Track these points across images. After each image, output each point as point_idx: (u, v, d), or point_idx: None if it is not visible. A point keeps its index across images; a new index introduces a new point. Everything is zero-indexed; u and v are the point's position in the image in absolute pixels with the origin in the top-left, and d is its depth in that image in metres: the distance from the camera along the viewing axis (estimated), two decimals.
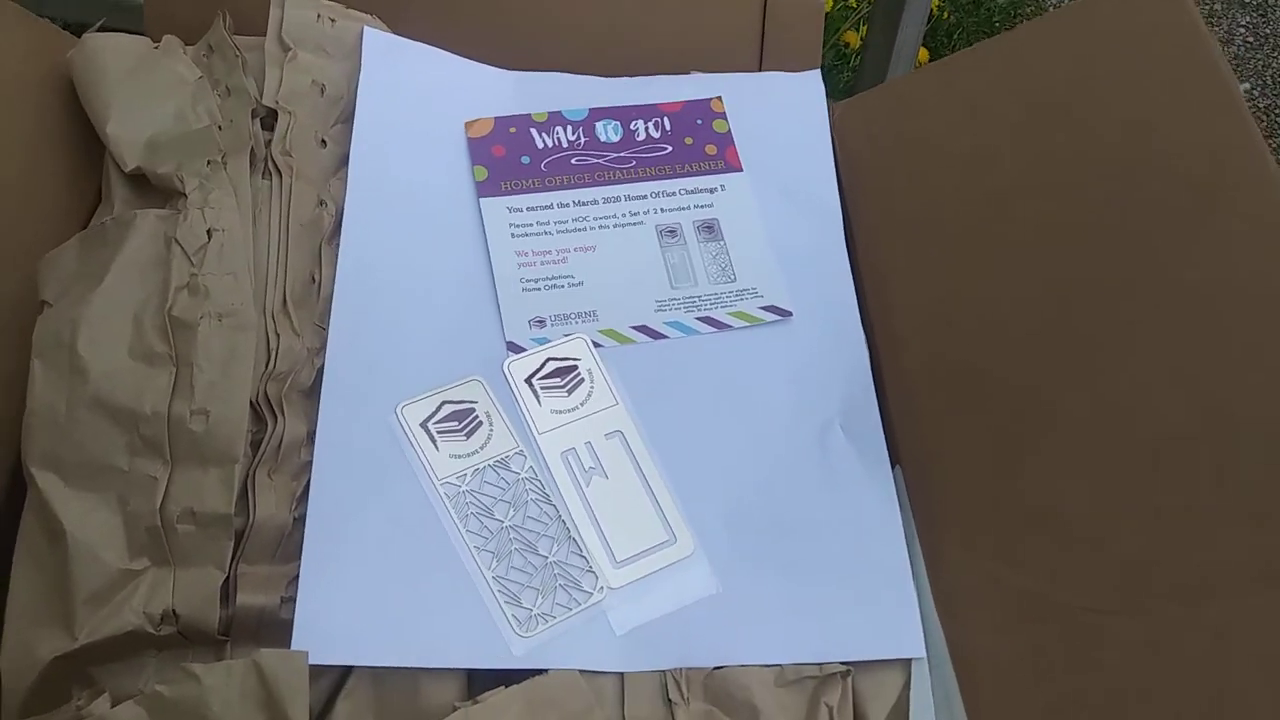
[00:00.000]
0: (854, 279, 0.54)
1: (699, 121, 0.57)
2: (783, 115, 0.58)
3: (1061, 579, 0.42)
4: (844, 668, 0.44)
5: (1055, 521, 0.44)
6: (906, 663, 0.44)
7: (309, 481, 0.44)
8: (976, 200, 0.52)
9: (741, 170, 0.56)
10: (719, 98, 0.58)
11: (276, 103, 0.52)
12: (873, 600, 0.46)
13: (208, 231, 0.45)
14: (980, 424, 0.47)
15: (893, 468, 0.49)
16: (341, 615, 0.42)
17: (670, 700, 0.43)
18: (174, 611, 0.40)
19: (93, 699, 0.38)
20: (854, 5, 1.24)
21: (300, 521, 0.44)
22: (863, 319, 0.53)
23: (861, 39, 1.17)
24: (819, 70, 0.59)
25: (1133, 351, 0.43)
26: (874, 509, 0.48)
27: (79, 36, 0.53)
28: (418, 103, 0.55)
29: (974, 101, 0.54)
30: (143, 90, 0.51)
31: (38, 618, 0.40)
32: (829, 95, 0.59)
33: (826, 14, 1.20)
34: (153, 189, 0.48)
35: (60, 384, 0.42)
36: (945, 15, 1.37)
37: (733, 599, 0.45)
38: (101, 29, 0.53)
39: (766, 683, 0.43)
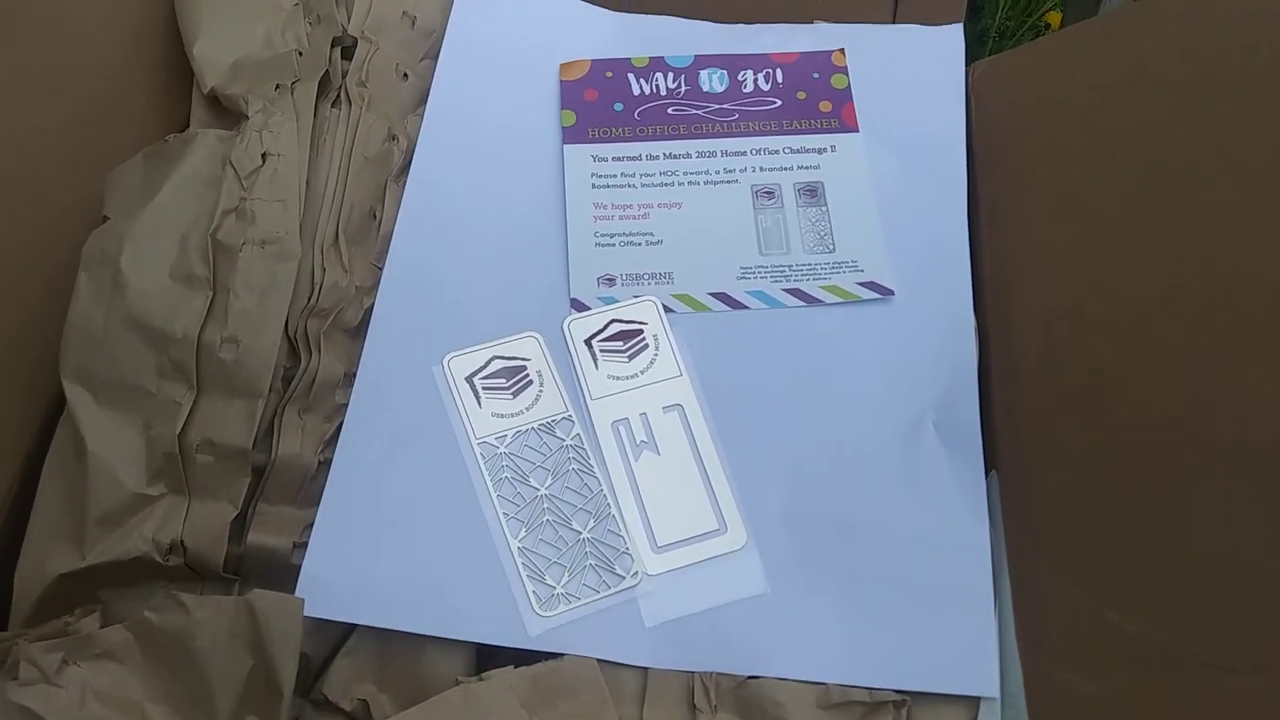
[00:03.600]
0: (971, 260, 0.47)
1: (815, 75, 0.52)
2: (913, 73, 0.52)
3: (1180, 625, 0.35)
4: (899, 696, 0.38)
5: (1180, 558, 0.36)
6: (974, 701, 0.38)
7: (341, 425, 0.42)
8: (1130, 178, 0.44)
9: (857, 130, 0.50)
10: (841, 50, 0.52)
11: (362, 32, 0.49)
12: (945, 624, 0.40)
13: (262, 155, 0.43)
14: (1099, 435, 0.40)
15: (987, 474, 0.43)
16: (351, 569, 0.39)
17: (695, 706, 0.38)
18: (182, 543, 0.39)
19: (85, 616, 0.37)
20: None
21: (327, 465, 0.41)
22: (975, 304, 0.46)
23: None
24: (961, 25, 0.53)
25: None
26: (960, 519, 0.41)
27: None
28: (510, 40, 0.52)
29: (1137, 65, 0.46)
30: (236, 13, 0.50)
31: (54, 532, 0.40)
32: None
33: None
34: (226, 111, 0.47)
35: (100, 299, 0.41)
36: None
37: (782, 603, 0.40)
38: None
39: (805, 702, 0.38)
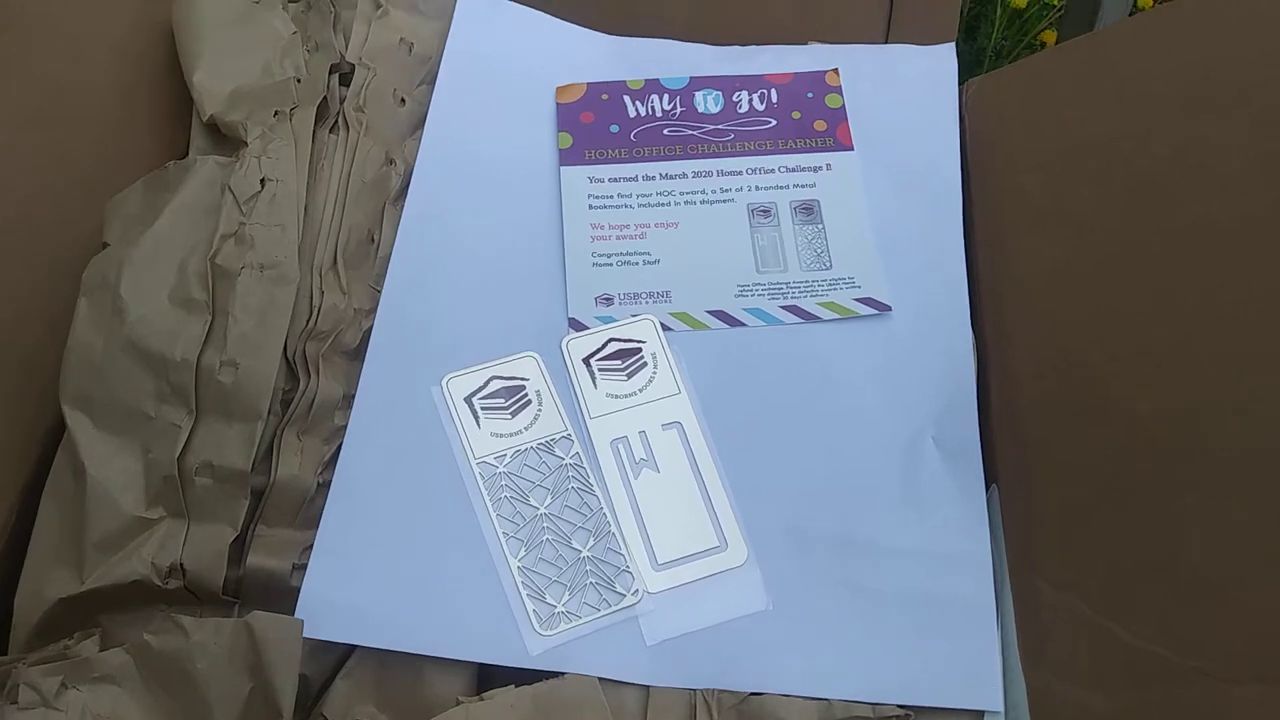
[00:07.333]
0: (968, 275, 0.47)
1: (810, 95, 0.52)
2: (906, 92, 0.52)
3: (1181, 637, 0.35)
4: (902, 711, 0.38)
5: (1181, 569, 0.36)
6: (978, 715, 0.38)
7: (340, 446, 0.42)
8: (1120, 193, 0.44)
9: (852, 149, 0.51)
10: (835, 70, 0.53)
11: (359, 58, 0.50)
12: (947, 639, 0.39)
13: (261, 181, 0.43)
14: (1098, 447, 0.40)
15: (987, 488, 0.42)
16: (351, 590, 0.39)
17: None
18: (181, 565, 0.39)
19: (84, 639, 0.37)
20: (1054, 2, 1.13)
21: (326, 487, 0.41)
22: (973, 319, 0.46)
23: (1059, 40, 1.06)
24: (953, 44, 0.53)
25: None
26: (961, 534, 0.41)
27: None
28: (506, 65, 0.52)
29: (1125, 83, 0.47)
30: (236, 43, 0.50)
31: (53, 556, 0.40)
32: None
33: (1021, 12, 1.11)
34: (226, 138, 0.47)
35: (100, 324, 0.41)
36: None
37: (784, 619, 0.40)
38: None
39: (808, 718, 0.38)
